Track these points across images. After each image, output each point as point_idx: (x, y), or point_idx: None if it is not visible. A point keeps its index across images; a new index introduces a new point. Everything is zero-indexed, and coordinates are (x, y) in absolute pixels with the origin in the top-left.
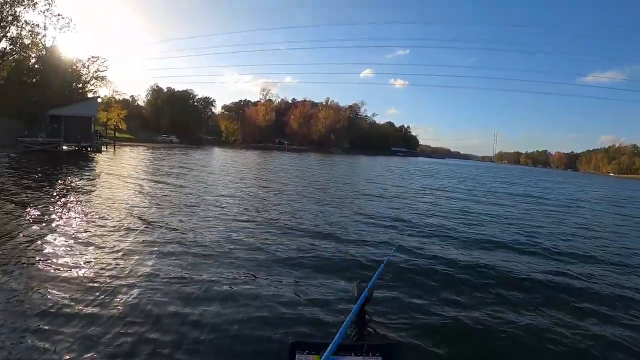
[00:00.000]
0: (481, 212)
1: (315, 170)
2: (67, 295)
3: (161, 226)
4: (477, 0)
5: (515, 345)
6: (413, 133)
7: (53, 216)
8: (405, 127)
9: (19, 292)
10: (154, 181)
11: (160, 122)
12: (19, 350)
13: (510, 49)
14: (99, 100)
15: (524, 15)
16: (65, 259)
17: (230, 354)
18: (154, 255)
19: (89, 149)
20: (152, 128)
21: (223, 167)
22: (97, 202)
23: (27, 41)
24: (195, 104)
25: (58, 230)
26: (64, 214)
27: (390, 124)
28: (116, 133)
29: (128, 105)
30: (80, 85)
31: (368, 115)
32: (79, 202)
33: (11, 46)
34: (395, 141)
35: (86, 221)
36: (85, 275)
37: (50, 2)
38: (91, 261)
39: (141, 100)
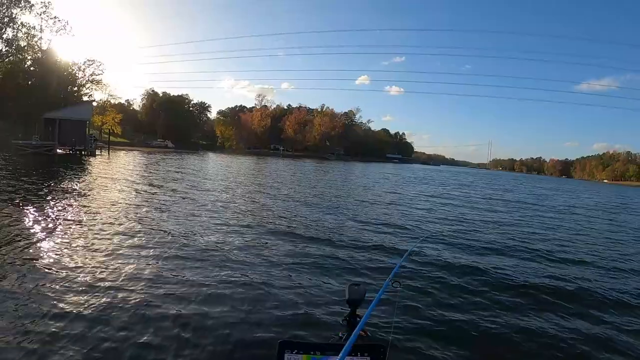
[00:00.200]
0: (474, 218)
1: (310, 176)
2: (58, 298)
3: (154, 230)
4: (473, 8)
5: (510, 347)
6: (408, 140)
7: (41, 220)
8: (401, 134)
9: (12, 295)
10: (148, 185)
11: (155, 126)
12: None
13: (505, 57)
14: (94, 104)
15: (519, 23)
16: (54, 263)
17: (220, 353)
18: (146, 258)
19: (83, 152)
20: (147, 132)
21: (218, 173)
22: (88, 206)
23: (23, 43)
24: (191, 109)
25: (47, 234)
26: (53, 218)
27: (386, 130)
28: (111, 137)
29: (123, 109)
30: (75, 88)
31: (363, 122)
32: (68, 206)
33: (7, 48)
34: (391, 148)
35: (76, 225)
36: (77, 277)
37: (47, 4)
38: (82, 264)
39: (136, 105)
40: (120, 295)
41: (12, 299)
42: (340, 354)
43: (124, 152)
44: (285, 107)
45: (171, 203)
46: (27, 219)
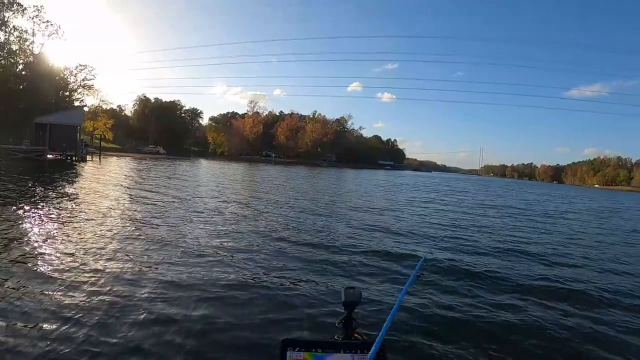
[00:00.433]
0: (465, 224)
1: (302, 182)
2: (52, 302)
3: (148, 234)
4: (464, 16)
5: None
6: (400, 147)
7: (31, 225)
8: (392, 140)
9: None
10: (139, 190)
11: (147, 132)
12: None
13: (497, 64)
14: (86, 109)
15: (510, 30)
16: (46, 267)
17: (224, 351)
18: (143, 263)
19: (73, 158)
20: (139, 138)
21: (211, 179)
22: (76, 211)
23: (14, 47)
24: (183, 115)
25: (37, 239)
26: (41, 224)
27: (377, 137)
28: (102, 143)
29: (115, 115)
30: (67, 93)
31: (355, 128)
32: (56, 212)
33: None
34: (382, 155)
35: (65, 230)
36: (68, 281)
37: (39, 8)
38: (73, 268)
39: (128, 110)
40: (117, 298)
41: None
42: (369, 355)
43: (115, 157)
44: (278, 114)
45: (165, 209)
46: (15, 224)
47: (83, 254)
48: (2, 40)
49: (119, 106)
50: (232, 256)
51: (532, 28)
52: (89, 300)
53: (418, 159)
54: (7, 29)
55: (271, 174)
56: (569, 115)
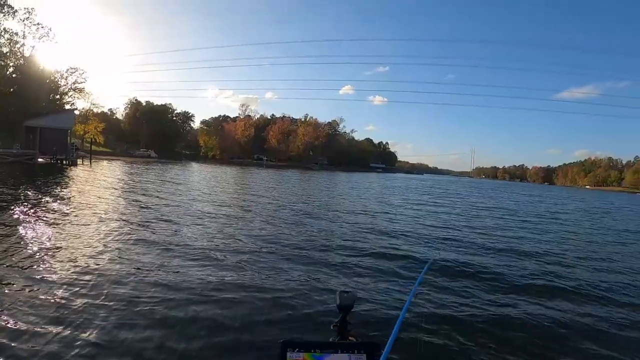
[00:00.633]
0: (456, 226)
1: (294, 186)
2: (50, 305)
3: (143, 237)
4: (455, 19)
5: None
6: (392, 149)
7: (22, 231)
8: (384, 143)
9: None
10: (132, 193)
11: (138, 136)
12: None
13: (488, 66)
14: (77, 112)
15: (501, 32)
16: (38, 271)
17: (220, 352)
18: (141, 264)
19: (64, 162)
20: (130, 142)
21: (203, 183)
22: (70, 216)
23: (5, 49)
24: (174, 118)
25: (30, 244)
26: (35, 229)
27: (369, 140)
28: (93, 146)
29: (106, 118)
30: (57, 96)
31: (347, 131)
32: (50, 217)
33: None
34: (374, 157)
35: (60, 235)
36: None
37: (30, 10)
38: (69, 271)
39: (119, 114)
40: (113, 300)
41: None
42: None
43: (106, 161)
44: (269, 117)
45: (158, 212)
46: (8, 228)
47: (79, 257)
48: None
49: (110, 109)
50: (226, 258)
51: (523, 29)
52: (86, 303)
53: (410, 162)
54: None
55: (263, 177)
56: (560, 117)
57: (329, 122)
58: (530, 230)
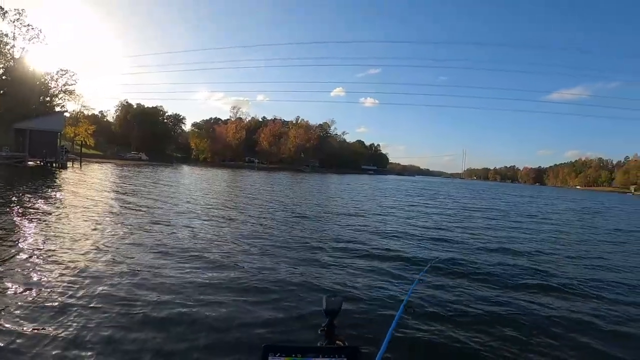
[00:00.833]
0: (448, 227)
1: (286, 188)
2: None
3: (136, 239)
4: (445, 21)
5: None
6: (383, 151)
7: (5, 235)
8: (376, 145)
9: None
10: (123, 195)
11: (129, 138)
12: None
13: (479, 68)
14: (67, 114)
15: (491, 34)
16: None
17: (205, 352)
18: (131, 265)
19: (54, 164)
20: (121, 144)
21: (195, 185)
22: (63, 219)
23: None
24: (165, 120)
25: (24, 247)
26: (28, 232)
27: (361, 142)
28: (83, 149)
29: (96, 120)
30: (48, 98)
31: (338, 133)
32: (43, 220)
33: None
34: (366, 159)
35: (55, 238)
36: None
37: (20, 12)
38: (66, 272)
39: (110, 116)
40: (109, 301)
41: None
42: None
43: (97, 164)
44: (260, 119)
45: (151, 214)
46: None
47: (70, 260)
48: None
49: (100, 112)
50: (217, 260)
51: (515, 31)
52: (82, 304)
53: (402, 163)
54: None
55: (254, 180)
56: (550, 118)
57: (320, 125)
58: (522, 230)
